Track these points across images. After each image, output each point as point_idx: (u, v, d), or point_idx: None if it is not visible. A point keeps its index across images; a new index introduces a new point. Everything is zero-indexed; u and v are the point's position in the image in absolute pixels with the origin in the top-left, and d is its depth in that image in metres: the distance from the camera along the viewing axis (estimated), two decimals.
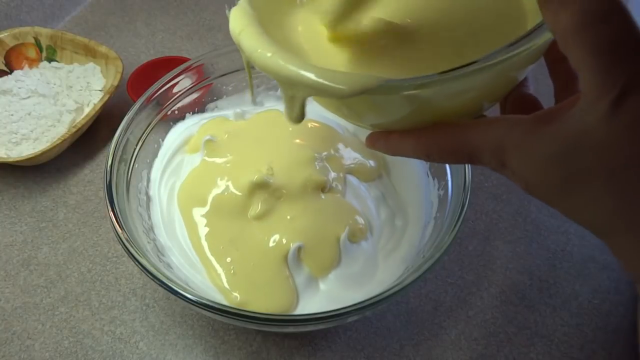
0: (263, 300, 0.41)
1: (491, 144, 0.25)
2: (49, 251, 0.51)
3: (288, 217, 0.44)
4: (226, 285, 0.42)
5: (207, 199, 0.46)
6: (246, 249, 0.43)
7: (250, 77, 0.34)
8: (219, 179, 0.47)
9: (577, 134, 0.22)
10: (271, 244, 0.43)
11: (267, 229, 0.44)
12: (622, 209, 0.22)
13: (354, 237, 0.44)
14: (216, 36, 0.74)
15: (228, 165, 0.48)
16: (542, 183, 0.24)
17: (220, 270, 0.43)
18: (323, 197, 0.46)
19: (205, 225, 0.45)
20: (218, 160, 0.48)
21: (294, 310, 0.42)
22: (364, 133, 0.53)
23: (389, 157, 0.52)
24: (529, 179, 0.24)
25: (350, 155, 0.50)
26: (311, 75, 0.25)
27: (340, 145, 0.50)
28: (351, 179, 0.49)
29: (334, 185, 0.47)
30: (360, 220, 0.45)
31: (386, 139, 0.30)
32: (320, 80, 0.24)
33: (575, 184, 0.23)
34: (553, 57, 0.30)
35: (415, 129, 0.28)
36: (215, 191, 0.46)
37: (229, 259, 0.43)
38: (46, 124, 0.56)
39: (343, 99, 0.26)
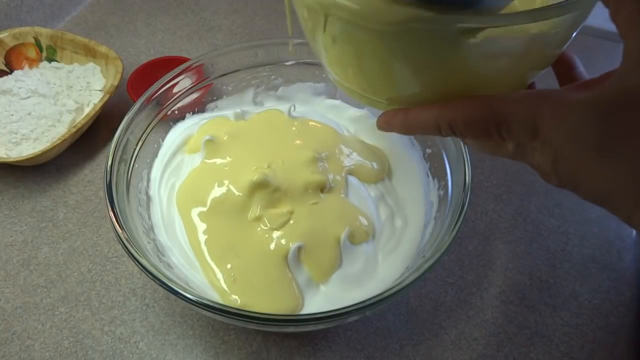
0: (266, 305, 0.41)
1: (526, 112, 0.25)
2: (49, 251, 0.51)
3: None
4: (227, 290, 0.42)
5: (207, 199, 0.46)
6: (246, 253, 0.43)
7: (288, 7, 0.34)
8: (218, 179, 0.46)
9: (619, 93, 0.22)
10: (271, 246, 0.43)
11: (267, 230, 0.44)
12: None
13: (355, 238, 0.44)
14: (216, 36, 0.74)
15: (228, 165, 0.48)
16: (575, 151, 0.24)
17: (220, 276, 0.42)
18: (323, 197, 0.46)
19: (204, 229, 0.45)
20: (218, 160, 0.48)
21: (298, 312, 0.42)
22: (364, 133, 0.54)
23: (390, 159, 0.52)
24: (561, 148, 0.24)
25: (350, 156, 0.50)
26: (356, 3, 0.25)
27: (341, 146, 0.50)
28: (352, 179, 0.49)
29: (334, 185, 0.47)
30: (364, 221, 0.45)
31: (405, 113, 0.30)
32: (366, 6, 0.25)
33: (614, 142, 0.22)
34: (562, 65, 0.30)
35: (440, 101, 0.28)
36: (215, 192, 0.46)
37: (229, 266, 0.43)
38: (46, 124, 0.56)
39: (384, 40, 0.26)
